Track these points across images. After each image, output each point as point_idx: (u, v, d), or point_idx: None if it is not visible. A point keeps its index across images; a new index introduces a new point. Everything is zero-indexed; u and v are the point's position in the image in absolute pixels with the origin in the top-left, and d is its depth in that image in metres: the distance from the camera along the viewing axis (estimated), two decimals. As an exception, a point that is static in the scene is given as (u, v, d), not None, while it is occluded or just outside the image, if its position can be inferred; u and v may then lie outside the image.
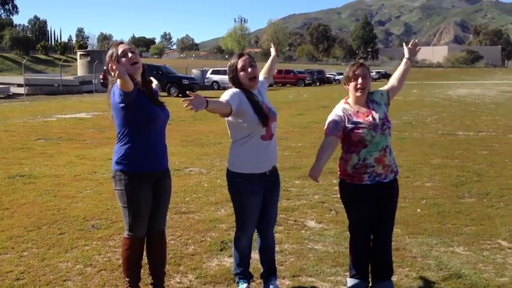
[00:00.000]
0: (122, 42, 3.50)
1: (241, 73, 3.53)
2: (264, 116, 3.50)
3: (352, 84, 3.63)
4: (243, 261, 3.84)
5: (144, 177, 3.44)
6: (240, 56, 3.60)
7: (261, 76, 3.85)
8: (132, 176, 3.41)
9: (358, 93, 3.62)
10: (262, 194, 3.65)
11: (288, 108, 20.26)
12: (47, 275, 4.14)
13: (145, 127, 3.38)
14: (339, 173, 3.80)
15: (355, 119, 3.61)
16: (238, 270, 3.87)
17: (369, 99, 3.73)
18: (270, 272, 3.87)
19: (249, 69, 3.53)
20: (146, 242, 3.68)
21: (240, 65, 3.53)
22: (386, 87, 3.90)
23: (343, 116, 3.63)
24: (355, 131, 3.57)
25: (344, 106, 3.70)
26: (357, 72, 3.62)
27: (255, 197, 3.62)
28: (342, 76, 43.67)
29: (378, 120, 3.61)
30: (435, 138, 12.34)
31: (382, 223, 3.75)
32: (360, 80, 3.60)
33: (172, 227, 5.40)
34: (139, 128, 3.37)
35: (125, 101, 3.19)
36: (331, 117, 3.67)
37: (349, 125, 3.59)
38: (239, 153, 3.58)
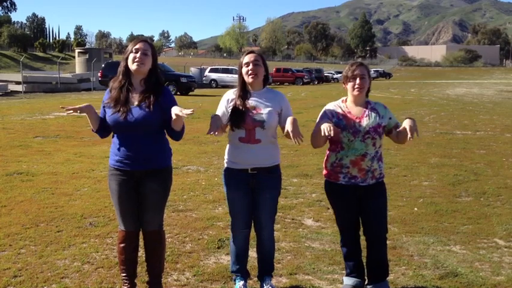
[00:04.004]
0: (144, 41, 3.51)
1: (244, 68, 3.66)
2: (236, 118, 3.58)
3: (350, 84, 3.65)
4: (238, 258, 3.85)
5: (122, 172, 3.49)
6: (249, 53, 3.73)
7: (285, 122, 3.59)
8: (112, 169, 3.56)
9: (356, 93, 3.64)
10: (247, 191, 3.68)
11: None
12: (45, 272, 4.14)
13: (113, 129, 3.51)
14: (323, 170, 3.85)
15: (340, 118, 3.65)
16: (234, 268, 3.89)
17: (370, 104, 3.72)
18: (264, 272, 3.88)
19: (251, 66, 3.62)
20: (143, 239, 3.71)
21: (245, 60, 3.66)
22: (392, 122, 3.73)
23: (332, 111, 3.70)
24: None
25: (338, 103, 3.76)
26: (355, 72, 3.63)
27: (234, 191, 3.71)
28: (340, 75, 44.00)
29: (363, 127, 3.60)
30: (433, 137, 12.37)
31: (370, 225, 3.75)
32: (357, 80, 3.62)
33: (170, 224, 5.41)
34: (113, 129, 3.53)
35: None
36: (321, 111, 3.77)
37: (334, 121, 3.65)
38: (227, 149, 3.78)
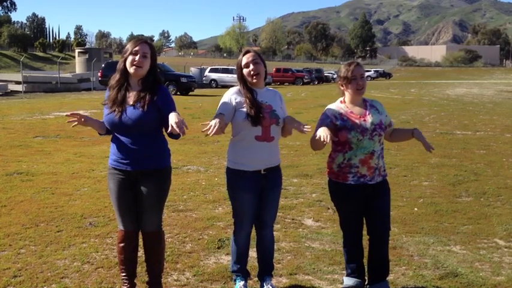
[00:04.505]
0: (144, 42, 3.48)
1: (245, 70, 3.61)
2: (254, 114, 3.50)
3: (351, 85, 3.63)
4: (239, 258, 3.84)
5: (120, 172, 3.50)
6: (246, 53, 3.68)
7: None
8: (111, 168, 3.56)
9: (359, 93, 3.63)
10: (257, 192, 3.66)
11: (286, 107, 20.22)
12: (45, 272, 4.14)
13: (110, 129, 3.52)
14: (327, 171, 3.83)
15: (345, 119, 3.63)
16: (235, 268, 3.88)
17: (368, 102, 3.73)
18: (264, 272, 3.88)
19: (251, 66, 3.58)
20: (142, 240, 3.70)
21: (243, 62, 3.61)
22: (387, 120, 3.78)
23: (334, 113, 3.67)
24: (343, 131, 3.60)
25: (338, 104, 3.73)
26: (355, 73, 3.62)
27: (246, 194, 3.64)
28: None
29: (369, 125, 3.60)
30: (433, 138, 12.36)
31: (374, 224, 3.74)
32: (359, 81, 3.61)
33: (170, 224, 5.41)
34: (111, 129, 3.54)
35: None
36: (321, 114, 3.74)
37: (338, 123, 3.61)
38: (234, 150, 3.67)
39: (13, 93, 30.59)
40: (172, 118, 3.17)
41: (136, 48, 3.39)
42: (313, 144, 3.65)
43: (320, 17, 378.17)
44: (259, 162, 3.60)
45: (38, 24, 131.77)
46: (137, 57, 3.38)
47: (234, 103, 3.57)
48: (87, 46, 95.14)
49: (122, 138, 3.44)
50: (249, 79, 3.60)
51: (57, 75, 35.85)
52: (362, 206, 3.72)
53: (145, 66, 3.42)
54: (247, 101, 3.54)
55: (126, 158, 3.44)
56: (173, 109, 3.40)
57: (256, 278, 3.95)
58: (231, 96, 3.61)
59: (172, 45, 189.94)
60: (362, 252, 3.88)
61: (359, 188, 3.66)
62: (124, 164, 3.46)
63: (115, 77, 3.49)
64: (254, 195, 3.65)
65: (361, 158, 3.61)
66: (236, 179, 3.66)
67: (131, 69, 3.41)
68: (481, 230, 5.36)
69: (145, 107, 3.37)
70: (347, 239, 3.86)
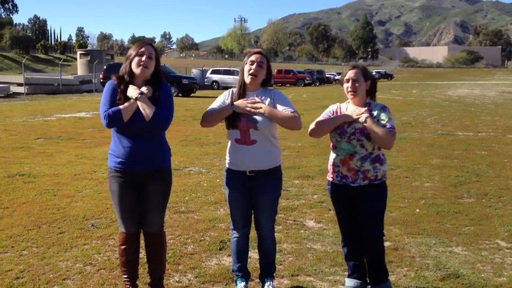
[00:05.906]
0: (149, 44, 3.53)
1: (247, 66, 3.67)
2: (231, 117, 3.60)
3: (344, 86, 3.73)
4: (238, 258, 3.87)
5: (123, 174, 3.51)
6: (255, 53, 3.75)
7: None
8: (112, 171, 3.56)
9: (350, 96, 3.71)
10: (245, 192, 3.70)
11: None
12: (47, 274, 4.15)
13: (119, 130, 3.50)
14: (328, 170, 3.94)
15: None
16: (235, 267, 3.90)
17: (370, 106, 3.71)
18: (265, 273, 3.88)
19: (254, 66, 3.64)
20: (144, 241, 3.71)
21: (251, 58, 3.69)
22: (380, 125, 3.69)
23: (332, 110, 3.80)
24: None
25: (339, 104, 3.84)
26: (346, 77, 3.69)
27: (233, 192, 3.75)
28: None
29: (349, 128, 3.64)
30: (434, 139, 12.36)
31: (362, 228, 3.76)
32: (350, 84, 3.66)
33: (172, 226, 5.42)
34: (115, 129, 3.53)
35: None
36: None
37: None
38: (228, 149, 3.81)
39: (15, 95, 30.64)
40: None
41: (142, 50, 3.46)
42: (319, 128, 3.71)
43: (321, 18, 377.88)
44: (242, 164, 3.66)
45: (39, 26, 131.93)
46: (143, 58, 3.44)
47: (224, 100, 3.72)
48: (88, 48, 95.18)
49: (129, 140, 3.45)
50: (245, 76, 3.66)
51: (59, 77, 35.95)
52: (350, 206, 3.76)
53: (151, 67, 3.48)
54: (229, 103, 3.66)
55: (133, 159, 3.45)
56: (172, 105, 3.53)
57: (258, 279, 3.95)
58: (223, 97, 3.76)
59: (174, 46, 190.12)
60: (360, 252, 3.87)
61: (343, 188, 3.74)
62: (130, 166, 3.47)
63: (125, 81, 3.48)
64: (242, 195, 3.71)
65: (341, 158, 3.70)
66: (227, 177, 3.81)
67: (138, 70, 3.45)
68: (483, 231, 5.36)
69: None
70: (343, 237, 3.94)
